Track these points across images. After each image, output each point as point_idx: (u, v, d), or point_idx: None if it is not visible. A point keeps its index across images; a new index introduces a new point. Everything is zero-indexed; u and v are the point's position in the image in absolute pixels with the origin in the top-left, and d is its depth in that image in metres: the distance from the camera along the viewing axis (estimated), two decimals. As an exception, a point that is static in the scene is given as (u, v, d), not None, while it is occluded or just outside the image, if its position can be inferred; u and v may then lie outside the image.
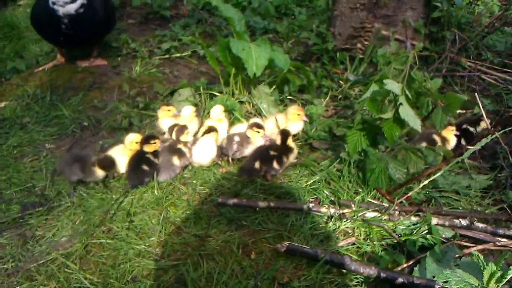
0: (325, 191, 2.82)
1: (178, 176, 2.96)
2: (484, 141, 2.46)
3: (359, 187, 2.88)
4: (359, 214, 2.61)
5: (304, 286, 2.19)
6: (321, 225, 2.58)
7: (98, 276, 2.25)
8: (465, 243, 2.50)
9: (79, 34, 4.19)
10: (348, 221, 2.58)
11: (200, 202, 2.74)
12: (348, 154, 2.94)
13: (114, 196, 2.79)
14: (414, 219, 2.59)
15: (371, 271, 2.17)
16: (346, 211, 2.62)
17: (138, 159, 2.90)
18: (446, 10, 4.51)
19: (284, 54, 3.63)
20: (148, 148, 2.92)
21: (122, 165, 2.94)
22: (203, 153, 3.04)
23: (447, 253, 2.27)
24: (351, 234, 2.54)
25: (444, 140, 3.22)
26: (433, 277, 2.14)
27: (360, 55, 4.51)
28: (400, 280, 2.13)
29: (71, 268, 2.28)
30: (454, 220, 2.58)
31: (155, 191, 2.81)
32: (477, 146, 2.50)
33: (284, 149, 3.00)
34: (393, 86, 2.58)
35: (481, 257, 1.76)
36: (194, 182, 2.93)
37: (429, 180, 2.72)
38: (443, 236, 2.47)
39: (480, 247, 2.47)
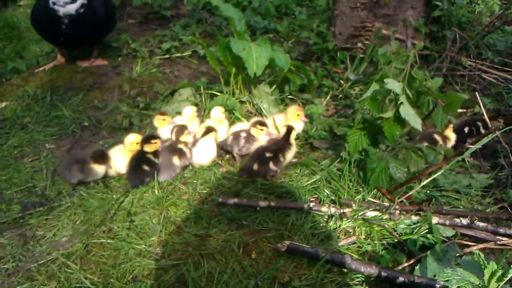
0: (325, 191, 2.82)
1: (179, 176, 2.96)
2: (484, 140, 2.46)
3: (359, 186, 2.87)
4: (359, 213, 2.60)
5: (305, 286, 2.19)
6: (321, 225, 2.58)
7: (98, 276, 2.25)
8: (466, 242, 2.49)
9: (79, 34, 4.20)
10: (349, 220, 2.58)
11: (201, 202, 2.74)
12: (348, 153, 2.94)
13: (114, 196, 2.79)
14: (414, 218, 2.58)
15: (372, 270, 2.17)
16: (346, 210, 2.62)
17: (139, 159, 2.90)
18: (447, 9, 4.51)
19: (285, 54, 3.62)
20: (148, 148, 2.92)
21: (122, 166, 2.94)
22: (203, 154, 3.04)
23: (447, 252, 2.26)
24: (351, 233, 2.54)
25: (445, 138, 3.22)
26: (434, 276, 2.14)
27: (360, 55, 4.51)
28: (401, 279, 2.13)
29: (71, 268, 2.28)
30: (455, 219, 2.57)
31: (156, 191, 2.81)
32: (478, 145, 2.49)
33: (280, 148, 3.00)
34: (394, 85, 2.58)
35: (482, 256, 1.75)
36: (195, 181, 2.93)
37: (429, 179, 2.72)
38: (444, 235, 2.47)
39: (481, 246, 2.46)
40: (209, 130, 3.12)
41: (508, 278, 1.66)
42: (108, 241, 2.44)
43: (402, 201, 2.72)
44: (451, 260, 2.21)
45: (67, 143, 3.41)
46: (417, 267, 2.22)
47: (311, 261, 2.30)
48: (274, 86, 3.85)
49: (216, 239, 2.45)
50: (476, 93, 3.10)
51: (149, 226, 2.55)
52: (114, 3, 5.54)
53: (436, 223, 2.51)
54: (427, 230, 2.47)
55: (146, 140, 2.93)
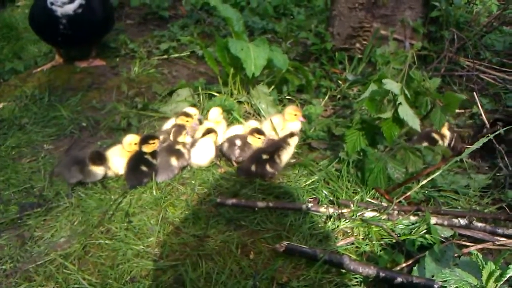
0: (324, 191, 2.82)
1: (177, 177, 2.96)
2: (482, 140, 2.46)
3: (358, 186, 2.87)
4: (358, 214, 2.60)
5: (303, 286, 2.18)
6: (320, 225, 2.58)
7: (96, 276, 2.24)
8: (464, 243, 2.49)
9: (77, 34, 4.19)
10: (347, 220, 2.58)
11: (199, 202, 2.74)
12: (347, 153, 2.94)
13: (112, 197, 2.78)
14: (413, 218, 2.58)
15: (370, 270, 2.17)
16: (345, 210, 2.62)
17: (137, 159, 2.89)
18: (445, 10, 4.51)
19: (283, 54, 3.63)
20: (146, 148, 2.92)
21: (120, 166, 2.94)
22: (201, 155, 3.04)
23: (446, 252, 2.26)
24: (350, 233, 2.54)
25: (442, 136, 3.23)
26: (432, 276, 2.14)
27: (358, 55, 4.51)
28: (399, 279, 2.13)
29: (69, 269, 2.27)
30: (453, 219, 2.57)
31: (154, 192, 2.80)
32: (476, 146, 2.49)
33: (276, 150, 2.99)
34: (392, 85, 2.58)
35: (480, 256, 1.75)
36: (193, 182, 2.93)
37: (428, 179, 2.72)
38: (442, 235, 2.47)
39: (479, 246, 2.46)
40: (208, 131, 3.11)
41: (506, 278, 1.66)
42: (106, 241, 2.44)
43: (400, 202, 2.72)
44: (449, 260, 2.21)
45: (65, 143, 3.40)
46: (415, 268, 2.22)
47: (309, 262, 2.30)
48: (273, 87, 3.85)
49: (214, 239, 2.45)
50: (474, 93, 3.11)
51: (147, 226, 2.54)
52: (112, 3, 5.54)
53: (435, 224, 2.51)
54: (426, 230, 2.47)
55: (144, 140, 2.93)
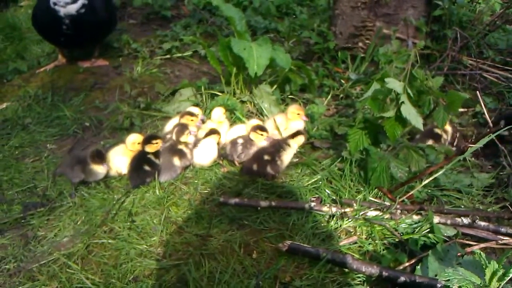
0: (326, 190, 2.82)
1: (180, 176, 2.96)
2: (485, 139, 2.45)
3: (360, 186, 2.87)
4: (360, 213, 2.60)
5: (306, 285, 2.18)
6: (322, 224, 2.58)
7: (100, 276, 2.25)
8: (467, 242, 2.49)
9: (80, 34, 4.20)
10: (350, 220, 2.58)
11: (202, 202, 2.74)
12: (349, 153, 2.94)
13: (115, 196, 2.79)
14: (416, 217, 2.58)
15: (373, 270, 2.17)
16: (347, 210, 2.62)
17: (140, 159, 2.90)
18: (448, 8, 4.50)
19: (285, 54, 3.62)
20: (149, 148, 2.92)
21: (123, 166, 2.94)
22: (204, 154, 3.05)
23: (449, 251, 2.26)
24: (352, 233, 2.54)
25: (446, 131, 3.23)
26: (435, 275, 2.14)
27: (361, 54, 4.50)
28: (402, 279, 2.13)
29: (73, 268, 2.28)
30: (456, 218, 2.57)
31: (157, 191, 2.81)
32: (479, 144, 2.49)
33: (277, 150, 2.99)
34: (395, 84, 2.57)
35: (483, 255, 1.75)
36: (196, 181, 2.93)
37: (431, 178, 2.71)
38: (445, 234, 2.46)
39: (482, 245, 2.46)
40: (211, 132, 3.12)
41: (509, 278, 1.65)
42: (109, 241, 2.45)
43: (403, 201, 2.71)
44: (453, 259, 2.21)
45: (68, 143, 3.41)
46: (418, 267, 2.22)
47: (312, 261, 2.30)
48: (275, 86, 3.85)
49: (217, 239, 2.45)
50: (477, 92, 3.09)
51: (150, 226, 2.55)
52: (115, 3, 5.54)
53: (438, 223, 2.51)
54: (429, 229, 2.47)
55: (147, 140, 2.93)
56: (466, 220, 2.55)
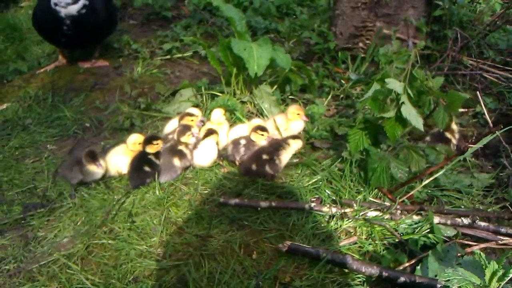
0: (326, 191, 2.82)
1: (180, 177, 2.96)
2: (486, 140, 2.45)
3: (360, 186, 2.87)
4: (360, 213, 2.60)
5: (306, 286, 2.18)
6: (322, 225, 2.58)
7: (99, 276, 2.25)
8: (467, 242, 2.49)
9: (81, 35, 4.21)
10: (350, 220, 2.58)
11: (202, 202, 2.74)
12: (349, 153, 2.94)
13: (115, 197, 2.79)
14: (416, 218, 2.58)
15: (373, 270, 2.17)
16: (347, 210, 2.62)
17: (140, 160, 2.90)
18: (448, 9, 4.49)
19: (286, 54, 3.62)
20: (150, 149, 2.93)
21: (123, 165, 2.94)
22: (204, 156, 3.05)
23: (449, 252, 2.26)
24: (353, 233, 2.53)
25: (452, 132, 3.23)
26: (435, 276, 2.14)
27: (361, 54, 4.50)
28: (402, 279, 2.13)
29: (72, 269, 2.28)
30: (456, 219, 2.57)
31: (157, 192, 2.81)
32: (479, 145, 2.49)
33: (276, 150, 2.99)
34: (395, 85, 2.57)
35: (483, 255, 1.75)
36: (196, 182, 2.93)
37: (431, 179, 2.71)
38: (445, 235, 2.47)
39: (482, 245, 2.46)
40: (210, 132, 3.12)
41: (509, 278, 1.65)
42: (109, 241, 2.45)
43: (403, 201, 2.71)
44: (453, 260, 2.21)
45: (68, 144, 3.41)
46: (418, 267, 2.22)
47: (312, 261, 2.30)
48: (275, 86, 3.85)
49: (217, 239, 2.45)
50: (478, 92, 3.10)
51: (150, 226, 2.55)
52: (115, 4, 5.54)
53: (438, 223, 2.51)
54: (429, 230, 2.47)
55: (148, 141, 2.93)
56: (466, 221, 2.55)
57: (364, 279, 2.22)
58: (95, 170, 2.84)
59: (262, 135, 3.11)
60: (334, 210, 2.61)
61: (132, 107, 3.83)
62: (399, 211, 2.63)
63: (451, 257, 2.23)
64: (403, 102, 2.56)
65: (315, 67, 4.47)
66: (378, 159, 2.77)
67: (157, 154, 2.95)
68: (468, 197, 2.84)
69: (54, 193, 2.85)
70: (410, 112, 2.55)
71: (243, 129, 3.26)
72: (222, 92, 3.79)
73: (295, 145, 3.10)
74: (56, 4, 3.98)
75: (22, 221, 2.64)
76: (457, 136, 3.26)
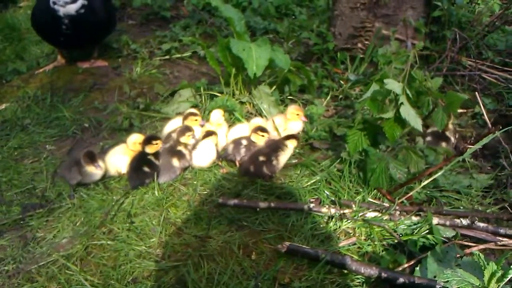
0: (325, 191, 2.82)
1: (179, 177, 2.96)
2: (485, 140, 2.45)
3: (359, 187, 2.87)
4: (360, 214, 2.60)
5: (305, 287, 2.18)
6: (321, 225, 2.58)
7: (98, 277, 2.25)
8: (466, 243, 2.49)
9: (79, 34, 4.20)
10: (349, 221, 2.58)
11: (201, 203, 2.74)
12: (348, 154, 2.94)
13: (114, 197, 2.79)
14: (415, 218, 2.58)
15: (372, 271, 2.17)
16: (346, 211, 2.62)
17: (140, 160, 2.90)
18: (447, 9, 4.50)
19: (285, 54, 3.62)
20: (149, 149, 2.92)
21: (123, 165, 2.94)
22: (203, 156, 3.05)
23: (448, 253, 2.26)
24: (352, 234, 2.54)
25: (450, 130, 3.24)
26: (434, 277, 2.13)
27: (360, 55, 4.50)
28: (401, 280, 2.13)
29: (71, 270, 2.28)
30: (455, 219, 2.57)
31: (156, 192, 2.81)
32: (478, 145, 2.49)
33: (273, 151, 2.99)
34: (394, 85, 2.57)
35: (482, 256, 1.75)
36: (195, 183, 2.93)
37: (430, 179, 2.72)
38: (444, 236, 2.47)
39: (481, 246, 2.46)
40: (209, 133, 3.12)
41: (508, 279, 1.65)
42: (108, 242, 2.44)
43: (402, 202, 2.71)
44: (452, 261, 2.21)
45: (67, 144, 3.41)
46: (417, 268, 2.22)
47: (311, 262, 2.30)
48: (274, 87, 3.85)
49: (216, 240, 2.45)
50: (476, 93, 3.09)
51: (149, 227, 2.55)
52: (114, 4, 5.53)
53: (437, 224, 2.51)
54: (428, 230, 2.47)
55: (148, 141, 2.93)
56: (465, 221, 2.55)
57: (363, 280, 2.22)
58: (94, 171, 2.84)
59: (263, 136, 3.12)
60: (333, 211, 2.61)
61: (131, 107, 3.83)
62: (398, 212, 2.64)
63: (450, 258, 2.23)
64: (402, 103, 2.56)
65: (314, 67, 4.47)
66: (377, 160, 2.78)
67: (156, 155, 2.95)
68: (467, 198, 2.84)
69: (53, 193, 2.85)
70: (409, 113, 2.55)
71: (242, 129, 3.26)
72: (221, 93, 3.79)
73: (292, 145, 3.09)
74: (54, 3, 3.97)
75: (21, 222, 2.64)
76: (453, 133, 3.26)
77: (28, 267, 2.32)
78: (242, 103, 3.70)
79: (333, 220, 2.59)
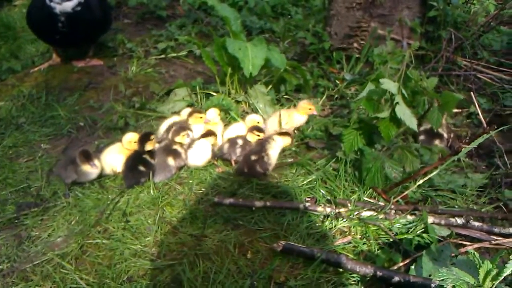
0: (321, 190, 2.82)
1: (174, 176, 2.96)
2: (480, 140, 2.46)
3: (355, 186, 2.88)
4: (355, 213, 2.61)
5: (301, 285, 2.19)
6: (317, 224, 2.58)
7: (94, 276, 2.24)
8: (461, 242, 2.50)
9: (75, 33, 4.18)
10: (345, 220, 2.58)
11: (196, 202, 2.74)
12: (344, 153, 2.95)
13: (110, 196, 2.78)
14: (410, 218, 2.59)
15: (368, 270, 2.17)
16: (342, 210, 2.62)
17: (135, 159, 2.89)
18: (442, 9, 4.51)
19: (281, 54, 3.63)
20: (149, 146, 2.93)
21: (118, 164, 2.93)
22: (198, 156, 3.04)
23: (443, 251, 2.27)
24: (347, 233, 2.54)
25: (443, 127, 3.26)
26: (429, 275, 2.14)
27: (356, 55, 4.51)
28: (396, 278, 2.13)
29: (66, 269, 2.27)
30: (450, 218, 2.58)
31: (151, 191, 2.80)
32: (473, 145, 2.50)
33: (262, 148, 2.99)
34: (390, 85, 2.58)
35: (477, 255, 1.75)
36: (190, 181, 2.93)
37: (425, 179, 2.72)
38: (439, 234, 2.47)
39: (476, 245, 2.47)
40: (208, 133, 3.11)
41: (503, 277, 1.66)
42: (104, 241, 2.44)
43: (397, 201, 2.72)
44: (447, 259, 2.22)
45: (62, 143, 3.40)
46: (412, 267, 2.23)
47: (306, 261, 2.30)
48: (270, 86, 3.85)
49: (211, 239, 2.45)
50: (472, 93, 3.10)
51: (144, 226, 2.54)
52: (109, 2, 5.52)
53: (432, 223, 2.52)
54: (423, 229, 2.47)
55: (144, 138, 2.93)
56: (460, 220, 2.56)
57: (359, 279, 2.22)
58: (89, 170, 2.83)
59: (258, 135, 3.12)
60: (328, 209, 2.61)
61: (126, 106, 3.82)
62: (393, 211, 2.64)
63: (445, 257, 2.23)
64: (397, 102, 2.57)
65: (309, 67, 4.47)
66: (372, 159, 2.78)
67: (151, 153, 2.94)
68: (462, 197, 2.85)
69: (48, 192, 2.84)
70: (404, 112, 2.56)
71: (238, 128, 3.26)
72: (216, 92, 3.78)
73: (281, 141, 3.10)
74: (51, 0, 3.95)
75: (16, 221, 2.63)
76: (446, 130, 3.27)
77: (23, 266, 2.31)
78: (237, 102, 3.70)
79: (329, 219, 2.59)
